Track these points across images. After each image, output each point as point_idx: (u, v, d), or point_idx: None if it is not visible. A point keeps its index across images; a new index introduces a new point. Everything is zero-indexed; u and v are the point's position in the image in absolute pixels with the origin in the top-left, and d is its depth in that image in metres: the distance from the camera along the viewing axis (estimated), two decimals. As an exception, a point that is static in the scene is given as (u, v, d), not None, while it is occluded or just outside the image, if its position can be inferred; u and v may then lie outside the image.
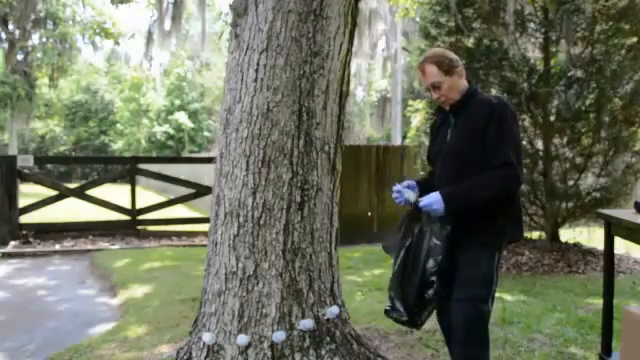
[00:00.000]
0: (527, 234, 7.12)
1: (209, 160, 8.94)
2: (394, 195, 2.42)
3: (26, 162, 8.27)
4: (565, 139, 6.79)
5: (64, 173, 29.31)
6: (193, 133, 27.36)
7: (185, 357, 2.83)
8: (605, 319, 2.88)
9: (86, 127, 32.15)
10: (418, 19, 9.13)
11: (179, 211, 10.50)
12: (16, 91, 20.91)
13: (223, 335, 2.70)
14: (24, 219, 8.16)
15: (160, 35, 16.83)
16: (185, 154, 25.95)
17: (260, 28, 2.71)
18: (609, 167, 6.74)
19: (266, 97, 2.68)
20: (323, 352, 2.71)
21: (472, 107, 2.37)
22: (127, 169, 9.38)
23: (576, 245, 7.06)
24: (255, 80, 2.70)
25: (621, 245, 6.45)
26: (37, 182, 9.00)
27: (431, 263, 2.24)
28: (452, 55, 2.47)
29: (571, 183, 6.83)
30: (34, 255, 7.28)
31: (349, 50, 2.94)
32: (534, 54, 7.00)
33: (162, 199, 10.79)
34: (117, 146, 29.92)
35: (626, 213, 2.83)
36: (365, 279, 5.55)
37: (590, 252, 6.79)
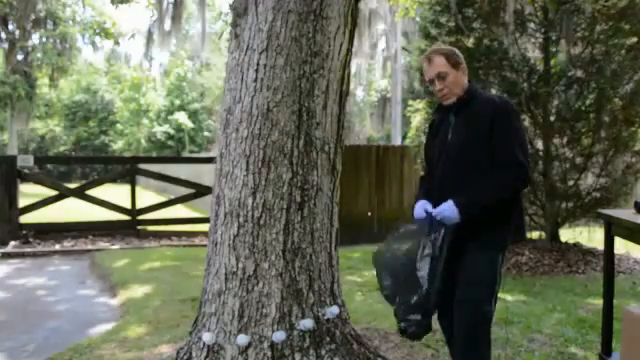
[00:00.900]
0: (527, 234, 7.12)
1: (209, 160, 8.94)
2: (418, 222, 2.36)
3: (26, 162, 8.27)
4: (565, 139, 6.79)
5: (64, 173, 29.29)
6: (193, 133, 27.35)
7: (185, 357, 2.83)
8: (605, 319, 2.88)
9: (86, 127, 32.15)
10: (418, 19, 9.13)
11: (179, 211, 10.50)
12: (16, 91, 20.90)
13: (223, 335, 2.70)
14: (24, 219, 8.16)
15: (160, 35, 16.83)
16: (185, 154, 25.94)
17: (260, 28, 2.71)
18: (609, 167, 6.74)
19: (266, 97, 2.68)
20: (323, 352, 2.71)
21: (475, 106, 2.36)
22: (127, 169, 9.38)
23: (576, 245, 7.06)
24: (255, 80, 2.70)
25: (621, 245, 6.45)
26: (37, 182, 9.00)
27: (437, 266, 2.24)
28: (459, 52, 2.49)
29: (571, 183, 6.83)
30: (34, 255, 7.28)
31: (349, 50, 2.94)
32: (534, 54, 7.00)
33: (162, 199, 10.79)
34: (117, 146, 29.92)
35: (626, 213, 2.83)
36: (365, 279, 5.55)
37: (590, 252, 6.79)
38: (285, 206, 2.70)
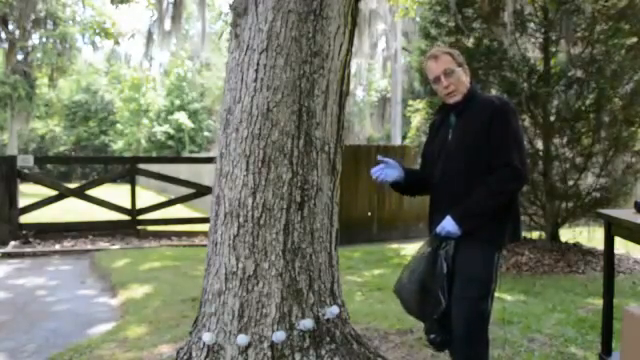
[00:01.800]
0: (527, 234, 7.12)
1: (209, 160, 8.94)
2: (375, 172, 2.46)
3: (26, 162, 8.27)
4: (565, 139, 6.79)
5: (64, 173, 29.29)
6: (193, 133, 27.36)
7: (185, 357, 2.83)
8: (605, 319, 2.88)
9: (86, 127, 32.15)
10: (418, 19, 9.14)
11: (179, 211, 10.50)
12: (16, 91, 20.90)
13: (223, 335, 2.70)
14: (24, 219, 8.16)
15: (160, 35, 16.84)
16: (185, 154, 25.94)
17: (260, 28, 2.71)
18: (609, 167, 6.74)
19: (266, 97, 2.68)
20: (323, 352, 2.71)
21: (474, 107, 2.37)
22: (127, 169, 9.38)
23: (576, 245, 7.06)
24: (255, 80, 2.70)
25: (621, 245, 6.45)
26: (37, 182, 9.00)
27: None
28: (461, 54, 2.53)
29: (571, 183, 6.83)
30: (34, 255, 7.28)
31: (349, 50, 2.94)
32: (534, 54, 7.00)
33: (162, 199, 10.80)
34: (117, 146, 29.92)
35: (626, 213, 2.82)
36: (365, 279, 5.55)
37: (590, 252, 6.79)
38: (285, 206, 2.70)
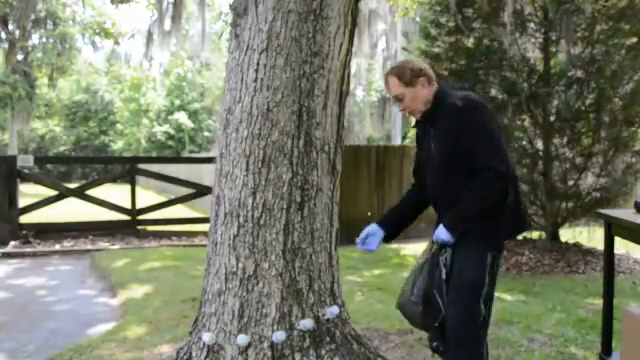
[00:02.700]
0: (527, 234, 7.12)
1: (209, 160, 8.94)
2: (360, 246, 2.52)
3: (26, 162, 8.27)
4: (565, 139, 6.79)
5: (64, 173, 29.30)
6: (193, 133, 27.36)
7: (185, 357, 2.83)
8: (605, 319, 2.88)
9: (86, 127, 32.15)
10: (418, 19, 9.13)
11: (179, 211, 10.50)
12: (16, 91, 20.90)
13: (223, 335, 2.70)
14: (24, 219, 8.16)
15: (160, 35, 16.84)
16: (185, 154, 25.94)
17: (260, 28, 2.71)
18: (609, 167, 6.74)
19: (266, 97, 2.68)
20: (323, 352, 2.71)
21: (443, 114, 2.32)
22: (127, 169, 9.38)
23: (576, 245, 7.06)
24: (255, 80, 2.70)
25: (621, 245, 6.45)
26: (37, 182, 9.00)
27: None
28: (417, 64, 2.43)
29: (571, 183, 6.83)
30: (34, 255, 7.28)
31: (349, 50, 2.94)
32: (534, 54, 7.00)
33: (162, 199, 10.79)
34: (117, 146, 29.92)
35: (626, 213, 2.82)
36: (365, 279, 5.55)
37: (590, 252, 6.79)
38: (285, 206, 2.70)
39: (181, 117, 26.57)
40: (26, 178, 8.47)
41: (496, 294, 2.43)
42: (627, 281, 5.62)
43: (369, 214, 8.33)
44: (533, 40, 7.01)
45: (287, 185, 2.70)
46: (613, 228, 2.82)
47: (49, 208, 8.57)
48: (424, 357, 3.16)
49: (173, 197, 10.09)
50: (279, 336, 2.65)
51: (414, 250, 7.34)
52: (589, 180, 6.93)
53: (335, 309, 2.78)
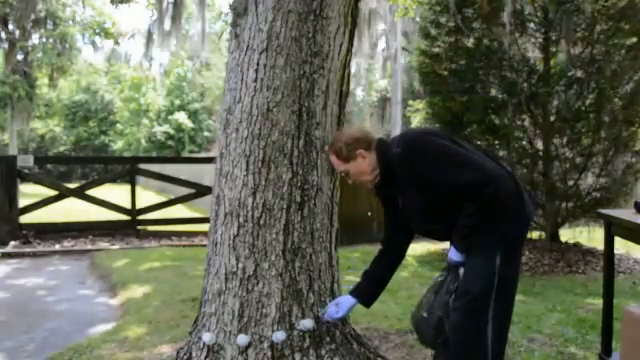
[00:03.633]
0: (527, 234, 7.12)
1: (209, 160, 8.93)
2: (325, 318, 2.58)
3: (26, 162, 8.27)
4: (565, 139, 6.80)
5: (64, 173, 29.31)
6: (193, 133, 27.36)
7: (185, 357, 2.83)
8: (605, 319, 2.88)
9: (86, 127, 32.16)
10: (418, 19, 9.13)
11: (179, 211, 10.50)
12: (16, 91, 20.90)
13: (223, 335, 2.70)
14: (24, 219, 8.15)
15: (160, 35, 16.85)
16: (185, 154, 25.94)
17: (260, 28, 2.71)
18: (609, 167, 6.75)
19: (266, 97, 2.68)
20: (323, 352, 2.71)
21: (395, 175, 2.27)
22: (127, 169, 9.37)
23: (576, 245, 7.06)
24: (255, 80, 2.70)
25: (621, 245, 6.45)
26: (37, 182, 9.00)
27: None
28: (352, 136, 2.38)
29: (571, 183, 6.84)
30: (34, 255, 7.27)
31: (349, 50, 2.93)
32: (534, 54, 7.01)
33: (162, 199, 10.79)
34: (117, 146, 29.93)
35: (626, 213, 2.82)
36: (365, 279, 5.54)
37: (590, 252, 6.80)
38: (285, 206, 2.70)
39: (181, 117, 26.57)
40: (26, 178, 8.46)
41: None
42: (627, 281, 5.63)
43: (369, 214, 8.33)
44: (533, 40, 7.02)
45: (287, 185, 2.70)
46: (613, 228, 2.81)
47: (49, 208, 8.57)
48: (424, 357, 3.16)
49: (173, 197, 10.09)
50: (279, 336, 2.65)
51: (414, 250, 7.35)
52: (589, 180, 6.93)
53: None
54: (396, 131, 19.91)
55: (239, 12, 2.81)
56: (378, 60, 24.79)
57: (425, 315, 2.33)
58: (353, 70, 17.43)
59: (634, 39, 6.47)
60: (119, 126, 30.49)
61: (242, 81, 2.74)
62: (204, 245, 6.43)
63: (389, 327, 3.66)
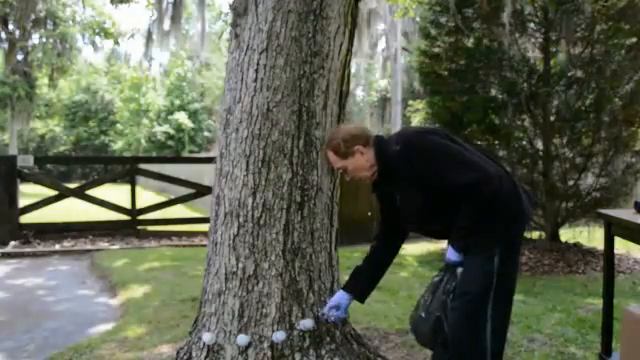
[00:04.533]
0: (527, 234, 7.12)
1: (209, 160, 8.93)
2: (326, 318, 2.56)
3: (26, 162, 8.27)
4: (565, 139, 6.80)
5: (64, 173, 29.31)
6: (193, 133, 27.36)
7: (185, 357, 2.83)
8: (605, 319, 2.88)
9: (86, 127, 32.17)
10: (418, 19, 9.13)
11: (179, 211, 10.50)
12: (16, 91, 20.90)
13: (223, 335, 2.70)
14: (24, 219, 8.15)
15: (159, 35, 16.84)
16: (185, 154, 25.94)
17: (260, 28, 2.71)
18: (609, 167, 6.75)
19: (266, 97, 2.68)
20: (323, 352, 2.72)
21: (394, 172, 2.26)
22: (127, 169, 9.37)
23: (576, 245, 7.06)
24: (255, 80, 2.70)
25: (621, 245, 6.45)
26: (37, 182, 8.99)
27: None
28: (347, 132, 2.37)
29: (571, 183, 6.84)
30: (34, 255, 7.27)
31: (349, 50, 2.94)
32: (534, 54, 7.00)
33: (162, 199, 10.79)
34: (117, 146, 29.94)
35: (626, 213, 2.82)
36: (365, 279, 5.54)
37: (590, 252, 6.80)
38: (285, 206, 2.70)
39: (181, 117, 26.57)
40: (26, 178, 8.46)
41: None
42: (627, 281, 5.63)
43: (369, 214, 8.33)
44: (533, 40, 7.02)
45: (287, 185, 2.70)
46: (613, 228, 2.81)
47: (49, 208, 8.56)
48: (424, 357, 3.16)
49: (173, 197, 10.09)
50: (279, 336, 2.65)
51: (414, 250, 7.35)
52: (589, 180, 6.93)
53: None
54: (396, 131, 19.90)
55: (239, 12, 2.81)
56: (378, 60, 24.79)
57: (423, 315, 2.33)
58: (353, 70, 17.43)
59: (634, 39, 6.47)
60: (119, 126, 30.49)
61: (242, 81, 2.74)
62: (204, 245, 6.43)
63: (389, 327, 3.66)
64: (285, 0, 2.68)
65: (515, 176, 2.41)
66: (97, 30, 21.46)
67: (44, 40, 21.65)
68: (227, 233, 2.73)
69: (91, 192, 8.89)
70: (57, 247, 7.72)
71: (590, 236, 7.19)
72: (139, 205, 8.84)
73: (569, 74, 6.61)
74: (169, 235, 8.62)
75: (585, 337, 3.56)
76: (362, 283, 2.57)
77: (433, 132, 2.35)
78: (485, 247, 2.16)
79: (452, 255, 2.23)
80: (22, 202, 8.20)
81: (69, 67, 23.02)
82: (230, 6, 2.93)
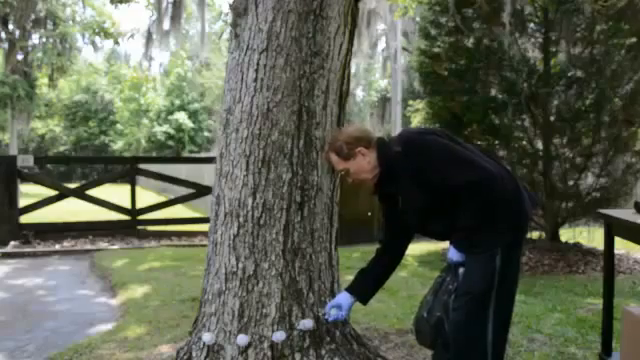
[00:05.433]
0: (527, 234, 7.12)
1: (209, 160, 8.94)
2: (327, 318, 2.55)
3: (26, 162, 8.27)
4: (565, 139, 6.80)
5: (64, 173, 29.33)
6: (193, 133, 27.36)
7: (185, 357, 2.83)
8: (605, 319, 2.88)
9: (86, 127, 32.18)
10: (418, 19, 9.12)
11: (179, 211, 10.50)
12: (16, 91, 20.89)
13: (223, 335, 2.70)
14: (24, 219, 8.15)
15: (159, 35, 16.85)
16: (185, 154, 25.95)
17: (260, 28, 2.71)
18: (609, 167, 6.75)
19: (266, 97, 2.68)
20: (323, 352, 2.71)
21: (395, 173, 2.26)
22: (127, 169, 9.37)
23: (576, 245, 7.06)
24: (255, 80, 2.70)
25: (621, 245, 6.45)
26: (37, 182, 9.00)
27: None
28: (350, 134, 2.37)
29: (571, 183, 6.84)
30: (34, 255, 7.27)
31: (349, 50, 2.94)
32: (534, 54, 7.01)
33: (162, 199, 10.79)
34: (117, 146, 29.95)
35: (626, 213, 2.82)
36: (365, 279, 5.54)
37: (590, 252, 6.80)
38: (285, 206, 2.70)
39: (181, 117, 26.57)
40: (26, 178, 8.46)
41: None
42: (627, 281, 5.63)
43: (369, 214, 8.33)
44: (533, 40, 7.02)
45: (287, 185, 2.70)
46: (613, 228, 2.81)
47: (49, 208, 8.56)
48: (424, 357, 3.16)
49: (173, 197, 10.09)
50: (279, 336, 2.65)
51: (414, 250, 7.35)
52: (589, 180, 6.94)
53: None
54: (396, 131, 19.90)
55: (239, 12, 2.81)
56: (378, 60, 24.80)
57: (425, 316, 2.33)
58: (353, 70, 17.43)
59: (634, 39, 6.48)
60: (119, 126, 30.49)
61: (242, 81, 2.74)
62: (204, 245, 6.43)
63: (389, 327, 3.66)
64: (285, 0, 2.68)
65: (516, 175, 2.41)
66: (97, 30, 21.42)
67: (44, 40, 21.64)
68: (227, 233, 2.73)
69: (91, 192, 8.89)
70: (57, 247, 7.72)
71: (590, 236, 7.19)
72: (139, 205, 8.84)
73: (569, 74, 6.62)
74: (169, 235, 8.62)
75: (585, 337, 3.56)
76: (366, 285, 2.56)
77: (433, 132, 2.35)
78: (487, 247, 2.17)
79: (454, 254, 2.23)
80: (22, 202, 8.21)
81: (69, 67, 23.00)
82: (230, 6, 2.93)
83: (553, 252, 6.67)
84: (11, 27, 20.24)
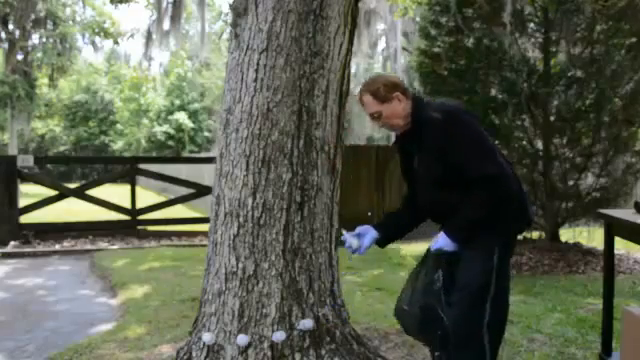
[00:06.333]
0: (527, 234, 7.12)
1: (209, 160, 8.93)
2: (348, 247, 2.53)
3: (26, 162, 8.27)
4: (565, 139, 6.80)
5: (64, 173, 29.32)
6: (193, 133, 27.36)
7: (185, 357, 2.83)
8: (605, 319, 2.88)
9: (86, 127, 32.17)
10: (418, 19, 9.12)
11: (179, 211, 10.49)
12: (16, 91, 20.89)
13: (223, 335, 2.70)
14: (24, 219, 8.15)
15: (159, 35, 16.85)
16: (185, 154, 25.94)
17: (260, 28, 2.71)
18: (609, 167, 6.75)
19: (266, 97, 2.68)
20: (323, 352, 2.71)
21: (424, 131, 2.27)
22: (127, 169, 9.37)
23: (576, 245, 7.06)
24: (255, 80, 2.70)
25: (621, 245, 6.45)
26: (37, 182, 9.00)
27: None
28: (389, 79, 2.39)
29: (571, 183, 6.84)
30: (34, 255, 7.27)
31: (349, 50, 2.93)
32: (534, 54, 7.01)
33: (162, 199, 10.79)
34: (117, 146, 29.95)
35: (626, 213, 2.82)
36: (365, 279, 5.55)
37: (590, 252, 6.80)
38: (285, 206, 2.70)
39: (181, 117, 26.57)
40: (26, 178, 8.46)
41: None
42: (627, 281, 5.63)
43: (369, 214, 8.33)
44: (533, 40, 7.02)
45: (287, 185, 2.70)
46: (613, 228, 2.81)
47: (49, 208, 8.56)
48: (424, 357, 3.16)
49: (173, 197, 10.09)
50: (279, 336, 2.65)
51: (414, 250, 7.34)
52: (589, 180, 6.94)
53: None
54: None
55: (239, 12, 2.81)
56: (378, 60, 24.79)
57: (406, 308, 2.34)
58: (353, 70, 17.41)
59: (634, 39, 6.48)
60: (119, 126, 30.50)
61: (242, 81, 2.74)
62: (204, 245, 6.42)
63: (389, 327, 3.66)
64: (285, 0, 2.68)
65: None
66: (97, 30, 21.44)
67: (44, 40, 21.64)
68: (227, 233, 2.73)
69: (91, 192, 8.89)
70: (57, 247, 7.72)
71: (590, 236, 7.19)
72: (139, 205, 8.84)
73: (569, 74, 6.61)
74: (169, 235, 8.62)
75: (585, 337, 3.56)
76: (389, 226, 2.57)
77: (473, 115, 2.38)
78: (487, 243, 2.21)
79: (446, 244, 2.23)
80: (22, 202, 8.20)
81: (69, 67, 23.01)
82: (230, 6, 2.93)
83: (553, 252, 6.67)
84: (11, 27, 20.24)
